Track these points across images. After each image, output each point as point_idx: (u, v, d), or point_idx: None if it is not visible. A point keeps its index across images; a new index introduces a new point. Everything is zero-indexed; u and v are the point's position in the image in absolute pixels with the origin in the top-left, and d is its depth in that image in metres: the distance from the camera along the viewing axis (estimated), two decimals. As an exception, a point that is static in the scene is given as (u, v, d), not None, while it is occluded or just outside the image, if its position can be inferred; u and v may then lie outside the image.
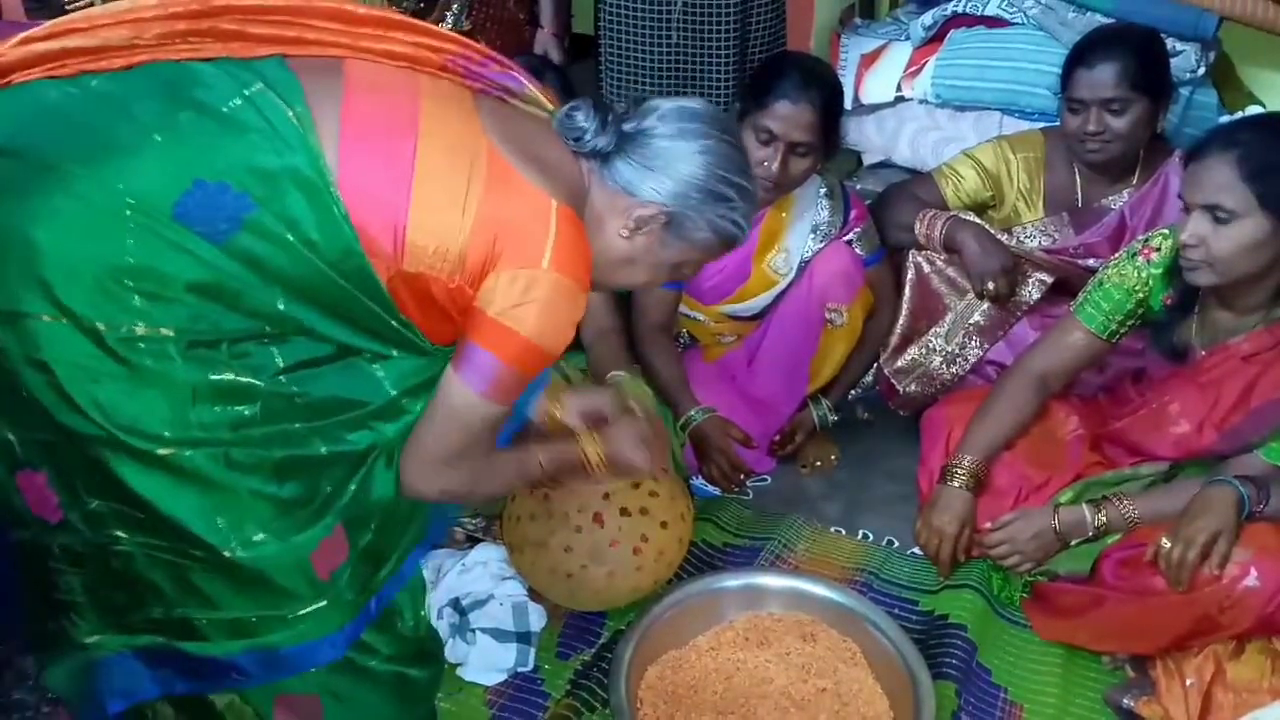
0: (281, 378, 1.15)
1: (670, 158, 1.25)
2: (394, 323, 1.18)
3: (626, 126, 1.26)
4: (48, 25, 1.14)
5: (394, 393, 1.24)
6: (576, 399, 1.53)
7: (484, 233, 1.15)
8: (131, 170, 1.06)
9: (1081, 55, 2.05)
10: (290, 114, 1.10)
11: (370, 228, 1.12)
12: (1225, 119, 2.53)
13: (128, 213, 1.05)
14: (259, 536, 1.14)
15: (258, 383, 1.13)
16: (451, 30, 2.33)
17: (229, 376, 1.11)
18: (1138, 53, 2.02)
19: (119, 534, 1.13)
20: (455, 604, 1.70)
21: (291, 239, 1.09)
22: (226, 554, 1.13)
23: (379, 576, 1.27)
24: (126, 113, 1.08)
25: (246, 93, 1.10)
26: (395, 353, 1.22)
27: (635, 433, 1.49)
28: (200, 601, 1.17)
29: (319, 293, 1.13)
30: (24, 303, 1.04)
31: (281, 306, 1.12)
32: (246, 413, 1.13)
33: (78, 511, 1.13)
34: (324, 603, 1.20)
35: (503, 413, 1.24)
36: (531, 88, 1.31)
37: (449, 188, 1.14)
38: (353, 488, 1.22)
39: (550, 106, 1.32)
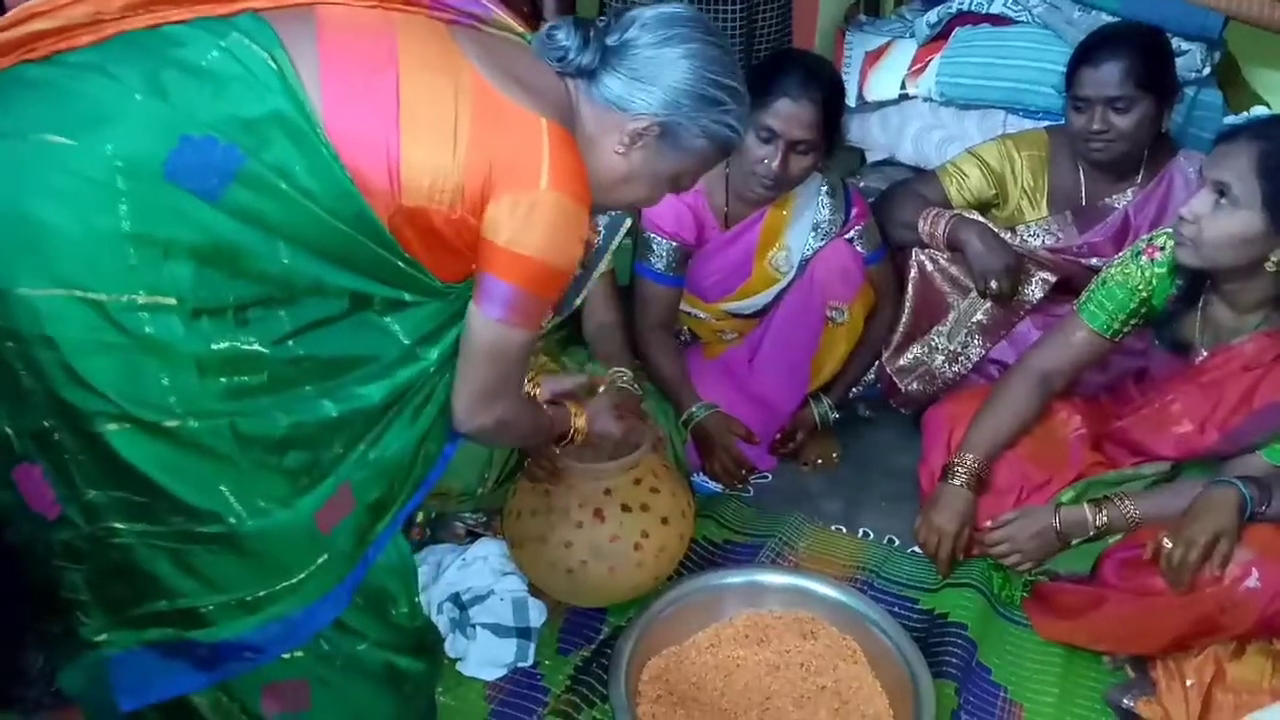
0: (289, 342, 1.14)
1: (657, 67, 1.23)
2: (400, 264, 1.17)
3: (609, 40, 1.25)
4: (10, 14, 1.12)
5: (408, 342, 1.23)
6: (550, 381, 1.61)
7: (478, 160, 1.14)
8: (118, 134, 1.04)
9: (1086, 53, 2.04)
10: (268, 59, 1.09)
11: (363, 167, 1.10)
12: (1230, 119, 2.52)
13: (119, 179, 1.03)
14: (265, 504, 1.14)
15: (264, 350, 1.12)
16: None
17: (234, 345, 1.10)
18: (1143, 51, 2.01)
19: (117, 525, 1.12)
20: (455, 599, 1.70)
21: (285, 188, 1.08)
22: (233, 521, 1.12)
23: (377, 528, 1.26)
24: (107, 76, 1.07)
25: (223, 44, 1.09)
26: (407, 296, 1.21)
27: (608, 405, 1.58)
28: (204, 587, 1.16)
29: (321, 241, 1.12)
30: (24, 280, 1.03)
31: (286, 260, 1.10)
32: (252, 382, 1.12)
33: (75, 504, 1.12)
34: (324, 558, 1.19)
35: (530, 337, 1.25)
36: (499, 13, 1.28)
37: (437, 118, 1.13)
38: (363, 448, 1.22)
39: (520, 29, 1.30)
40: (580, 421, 1.56)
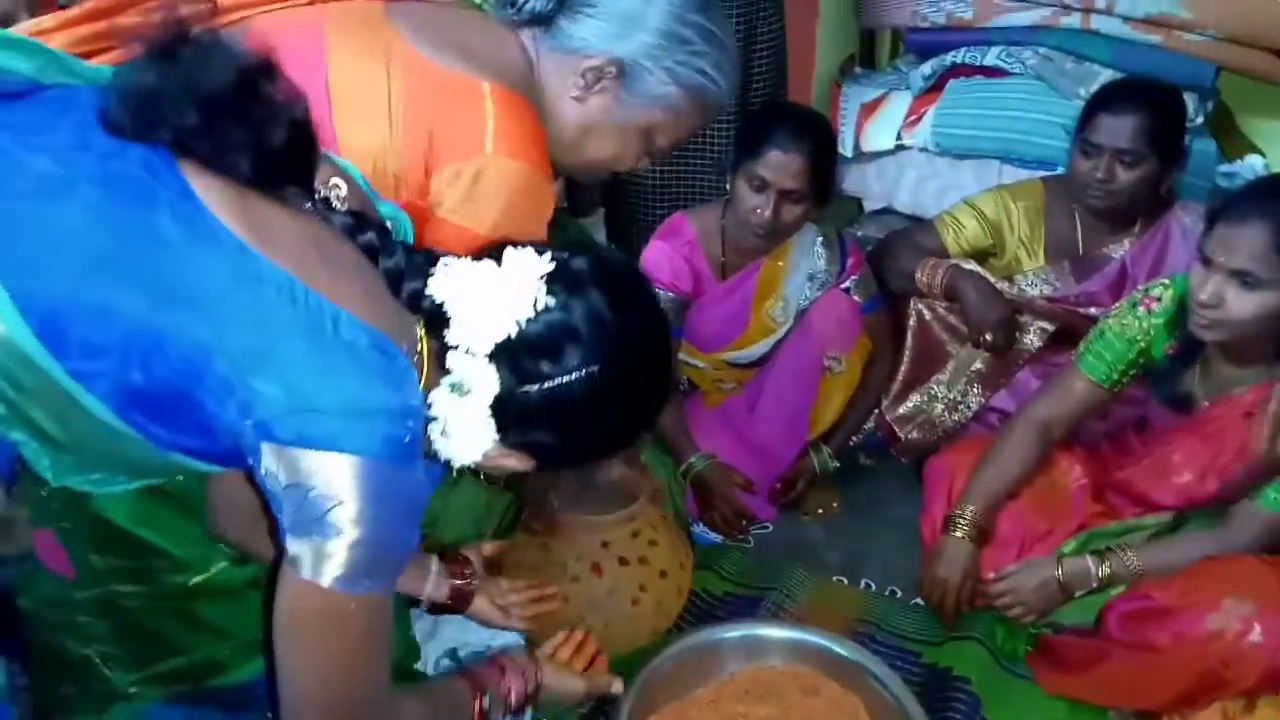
0: None
1: (615, 1, 1.13)
2: None
3: None
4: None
5: None
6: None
7: (416, 134, 1.06)
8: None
9: (1108, 100, 2.04)
10: None
11: None
12: (1224, 168, 2.55)
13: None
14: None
15: None
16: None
17: None
18: (1162, 112, 2.01)
19: (121, 589, 1.13)
20: (452, 655, 1.68)
21: None
22: (224, 564, 1.11)
23: None
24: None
25: None
26: None
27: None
28: (215, 636, 1.15)
29: None
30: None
31: None
32: None
33: (84, 567, 1.12)
34: None
35: None
36: None
37: (369, 102, 1.07)
38: None
39: None
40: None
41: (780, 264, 2.12)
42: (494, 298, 0.90)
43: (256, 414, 0.81)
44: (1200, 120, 2.57)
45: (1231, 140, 2.75)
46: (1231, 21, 2.48)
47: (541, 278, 0.92)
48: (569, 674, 1.31)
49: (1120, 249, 2.14)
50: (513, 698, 1.23)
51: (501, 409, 0.92)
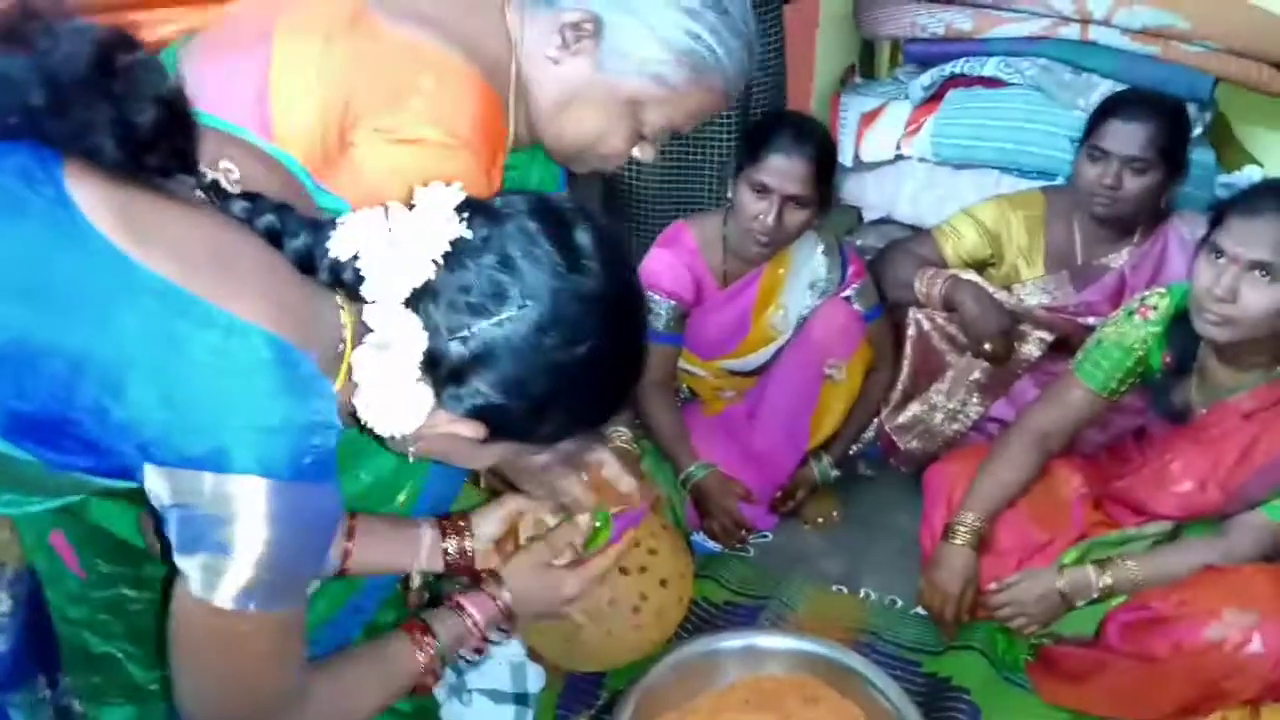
0: None
1: None
2: None
3: None
4: None
5: None
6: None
7: (335, 96, 0.96)
8: None
9: (1118, 107, 2.05)
10: None
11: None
12: (1223, 179, 2.56)
13: None
14: None
15: None
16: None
17: None
18: (1170, 122, 2.03)
19: (126, 592, 1.14)
20: (452, 663, 1.68)
21: None
22: None
23: None
24: None
25: None
26: None
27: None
28: None
29: None
30: None
31: None
32: None
33: (93, 571, 1.13)
34: (317, 582, 1.13)
35: None
36: None
37: (302, 64, 0.98)
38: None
39: None
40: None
41: (781, 272, 2.13)
42: (402, 238, 0.82)
43: (135, 435, 0.76)
44: (1199, 131, 2.58)
45: (1231, 151, 2.76)
46: (1230, 33, 2.49)
47: (457, 209, 0.83)
48: (550, 571, 1.19)
49: (1119, 259, 2.15)
50: (481, 622, 1.14)
51: (434, 366, 0.84)
